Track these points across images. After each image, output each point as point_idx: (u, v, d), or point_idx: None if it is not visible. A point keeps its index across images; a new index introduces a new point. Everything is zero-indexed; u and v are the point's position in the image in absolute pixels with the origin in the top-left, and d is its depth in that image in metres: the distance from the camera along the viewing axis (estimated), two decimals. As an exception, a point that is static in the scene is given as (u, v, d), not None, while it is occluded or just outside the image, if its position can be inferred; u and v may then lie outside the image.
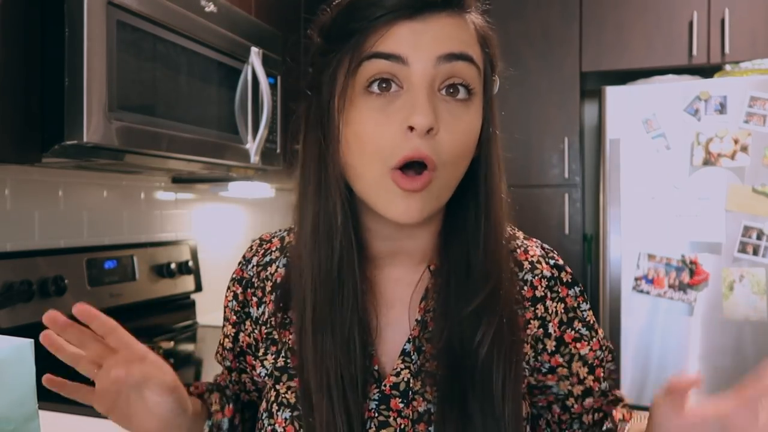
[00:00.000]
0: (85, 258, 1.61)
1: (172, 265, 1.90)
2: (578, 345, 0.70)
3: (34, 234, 1.56)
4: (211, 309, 2.13)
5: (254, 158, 1.64)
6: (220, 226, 2.32)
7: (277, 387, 0.68)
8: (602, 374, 0.72)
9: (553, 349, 0.69)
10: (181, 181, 2.04)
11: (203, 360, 1.75)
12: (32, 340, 0.65)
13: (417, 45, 0.58)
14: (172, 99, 1.39)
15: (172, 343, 1.76)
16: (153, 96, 1.33)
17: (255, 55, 1.63)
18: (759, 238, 2.13)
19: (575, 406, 0.72)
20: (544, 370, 0.70)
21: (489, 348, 0.62)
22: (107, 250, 1.71)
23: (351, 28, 0.60)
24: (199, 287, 2.05)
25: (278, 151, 1.78)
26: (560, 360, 0.70)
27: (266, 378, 0.70)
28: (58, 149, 1.18)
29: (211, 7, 1.48)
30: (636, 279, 2.26)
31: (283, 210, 2.65)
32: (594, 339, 0.71)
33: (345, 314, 0.63)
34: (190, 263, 2.00)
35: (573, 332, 0.70)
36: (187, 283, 1.99)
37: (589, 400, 0.72)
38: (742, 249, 2.15)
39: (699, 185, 2.19)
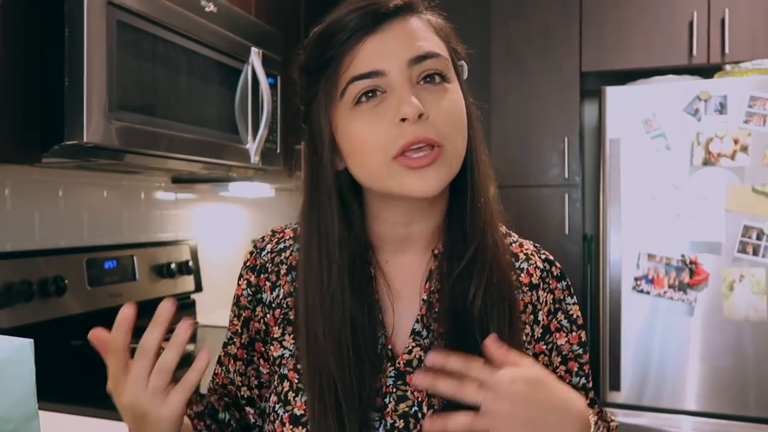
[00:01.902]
0: (85, 258, 1.61)
1: (172, 265, 1.90)
2: (557, 335, 0.75)
3: (34, 234, 1.56)
4: (211, 309, 2.13)
5: (254, 158, 1.64)
6: (220, 226, 2.32)
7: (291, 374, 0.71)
8: (575, 368, 0.76)
9: (539, 336, 0.75)
10: (181, 181, 2.04)
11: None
12: (32, 340, 0.65)
13: (387, 54, 0.64)
14: (172, 99, 1.39)
15: (172, 344, 1.75)
16: (153, 96, 1.33)
17: (255, 55, 1.63)
18: (759, 238, 2.13)
19: None
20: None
21: (482, 304, 0.67)
22: (107, 250, 1.71)
23: (326, 56, 0.66)
24: (199, 287, 2.05)
25: (278, 151, 1.78)
26: (543, 347, 0.75)
27: (289, 358, 0.72)
28: (58, 149, 1.18)
29: (211, 7, 1.48)
30: (636, 279, 2.26)
31: (283, 210, 2.65)
32: (573, 333, 0.76)
33: (361, 297, 0.68)
34: (190, 263, 2.00)
35: (556, 322, 0.76)
36: (187, 283, 1.99)
37: None
38: (742, 249, 2.14)
39: (699, 185, 2.18)
